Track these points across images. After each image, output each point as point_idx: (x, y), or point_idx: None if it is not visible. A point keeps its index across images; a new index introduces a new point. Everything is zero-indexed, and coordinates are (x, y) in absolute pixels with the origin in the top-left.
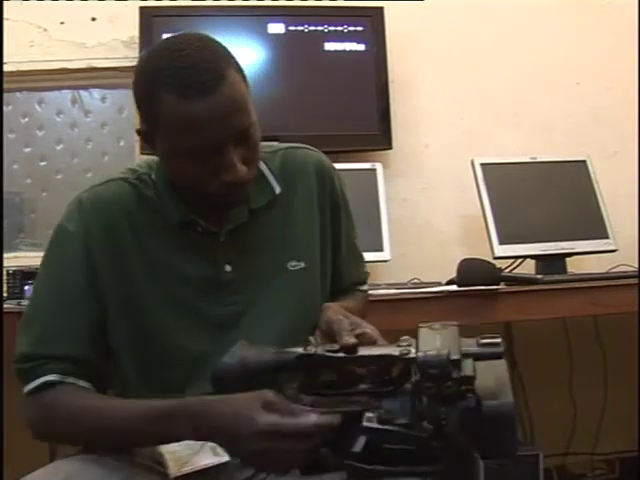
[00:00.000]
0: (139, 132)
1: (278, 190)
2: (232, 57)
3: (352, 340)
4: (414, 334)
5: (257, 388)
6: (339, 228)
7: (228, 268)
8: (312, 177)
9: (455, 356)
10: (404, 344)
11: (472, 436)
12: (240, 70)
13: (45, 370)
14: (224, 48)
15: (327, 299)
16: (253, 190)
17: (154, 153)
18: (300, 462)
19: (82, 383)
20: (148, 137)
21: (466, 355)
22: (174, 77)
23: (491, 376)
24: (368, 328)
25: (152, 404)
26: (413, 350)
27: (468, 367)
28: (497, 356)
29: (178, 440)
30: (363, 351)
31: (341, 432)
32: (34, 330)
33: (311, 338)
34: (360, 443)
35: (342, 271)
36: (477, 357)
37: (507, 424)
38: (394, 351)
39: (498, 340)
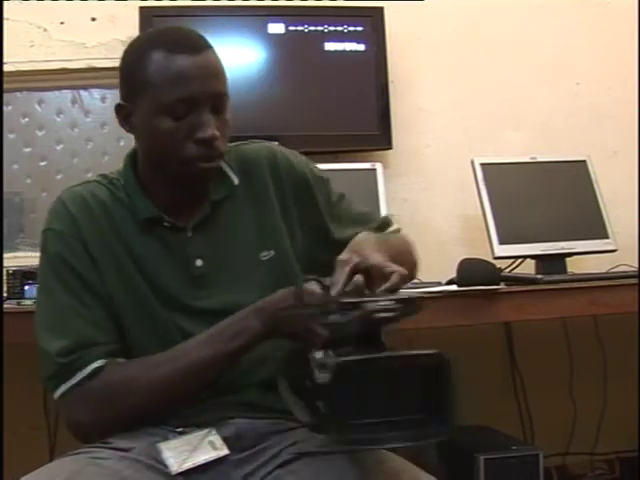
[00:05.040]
0: (119, 107)
1: (237, 181)
2: None
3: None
4: (414, 334)
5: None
6: (317, 207)
7: (199, 262)
8: (265, 168)
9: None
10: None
11: None
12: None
13: (90, 358)
14: None
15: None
16: (213, 183)
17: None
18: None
19: (120, 360)
20: (127, 112)
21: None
22: (165, 38)
23: None
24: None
25: (207, 331)
26: None
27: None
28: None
29: (248, 338)
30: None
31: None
32: (60, 327)
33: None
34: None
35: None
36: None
37: None
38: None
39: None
